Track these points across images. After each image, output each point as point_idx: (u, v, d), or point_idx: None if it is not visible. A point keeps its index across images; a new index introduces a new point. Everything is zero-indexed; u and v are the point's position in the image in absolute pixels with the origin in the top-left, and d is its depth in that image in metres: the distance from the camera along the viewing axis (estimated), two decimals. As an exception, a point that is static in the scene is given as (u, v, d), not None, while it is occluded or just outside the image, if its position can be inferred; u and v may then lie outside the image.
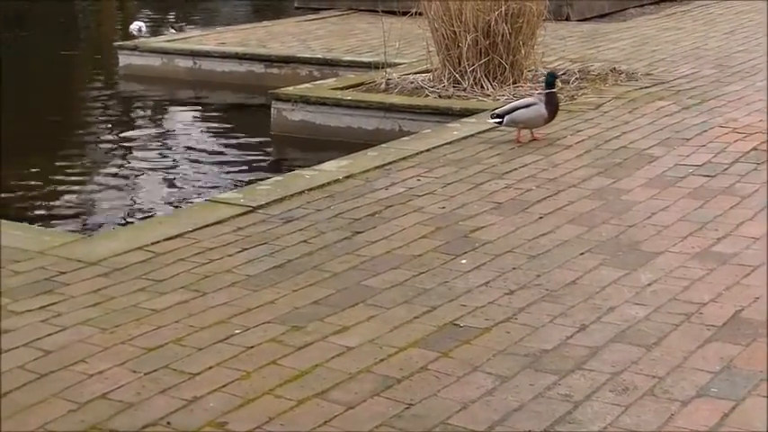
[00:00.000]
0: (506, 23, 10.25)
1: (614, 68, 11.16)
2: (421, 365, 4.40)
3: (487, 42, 10.33)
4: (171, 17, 22.80)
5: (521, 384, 4.24)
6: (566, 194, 6.85)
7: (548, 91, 8.21)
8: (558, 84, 8.44)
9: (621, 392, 4.16)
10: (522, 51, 10.53)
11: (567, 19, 15.79)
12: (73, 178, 10.02)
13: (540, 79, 10.40)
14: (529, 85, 10.39)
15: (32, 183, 9.70)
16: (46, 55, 18.44)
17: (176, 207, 8.74)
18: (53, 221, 8.43)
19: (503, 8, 10.24)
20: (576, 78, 10.56)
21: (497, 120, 8.26)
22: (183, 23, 20.82)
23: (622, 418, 3.96)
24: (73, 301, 5.10)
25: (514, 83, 10.38)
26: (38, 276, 5.46)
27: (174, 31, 16.30)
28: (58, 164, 10.46)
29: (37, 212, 8.71)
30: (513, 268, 5.52)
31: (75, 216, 8.74)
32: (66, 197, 9.28)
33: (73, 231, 7.74)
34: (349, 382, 4.25)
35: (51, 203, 9.09)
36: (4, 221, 6.66)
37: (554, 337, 4.67)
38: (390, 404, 4.08)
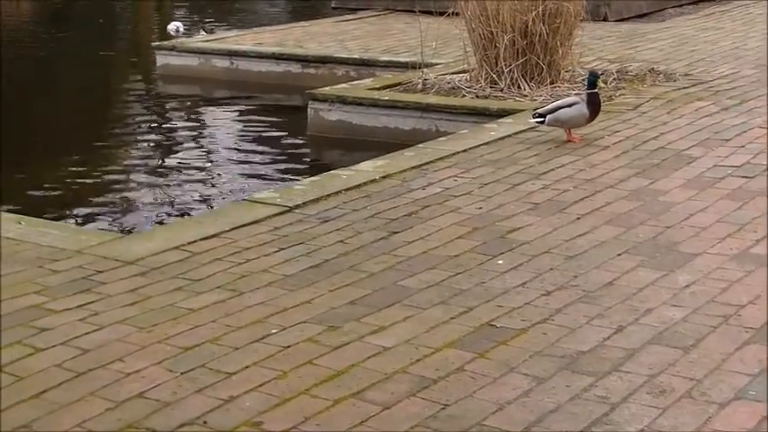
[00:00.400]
0: (544, 23, 10.23)
1: (652, 69, 11.12)
2: (457, 366, 4.39)
3: (525, 42, 10.31)
4: (208, 18, 22.86)
5: (557, 386, 4.22)
6: (603, 195, 6.82)
7: (589, 91, 8.18)
8: (601, 84, 8.38)
9: (659, 394, 4.14)
10: (560, 51, 10.50)
11: (605, 19, 15.74)
12: (110, 177, 10.06)
13: (578, 79, 10.39)
14: (566, 85, 10.36)
15: (70, 182, 9.75)
16: (84, 55, 18.55)
17: (213, 207, 8.76)
18: (90, 220, 8.47)
19: (540, 8, 10.22)
20: (614, 79, 10.52)
21: (539, 119, 8.24)
22: (221, 24, 20.86)
23: (659, 421, 3.94)
24: (110, 300, 5.12)
25: (552, 83, 10.35)
26: (75, 275, 5.49)
27: (204, 33, 16.33)
28: (95, 163, 10.50)
29: (74, 211, 8.75)
30: (550, 269, 5.51)
31: (112, 215, 8.78)
32: (104, 196, 9.32)
33: (110, 230, 7.78)
34: (385, 383, 4.24)
35: (89, 203, 9.13)
36: (41, 220, 6.72)
37: (591, 339, 4.65)
38: (426, 405, 4.07)
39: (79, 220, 8.34)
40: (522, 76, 10.34)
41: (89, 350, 4.56)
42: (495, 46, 10.37)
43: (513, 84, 10.32)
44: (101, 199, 9.24)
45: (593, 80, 8.24)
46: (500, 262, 5.62)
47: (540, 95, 10.04)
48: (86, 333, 4.74)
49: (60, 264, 5.67)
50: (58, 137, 12.22)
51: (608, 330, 4.74)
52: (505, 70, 10.34)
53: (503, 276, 5.42)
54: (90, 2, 26.75)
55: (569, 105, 8.19)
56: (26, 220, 6.57)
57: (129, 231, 7.98)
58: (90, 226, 7.98)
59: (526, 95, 10.11)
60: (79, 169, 10.22)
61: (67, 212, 8.64)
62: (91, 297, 5.17)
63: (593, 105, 8.16)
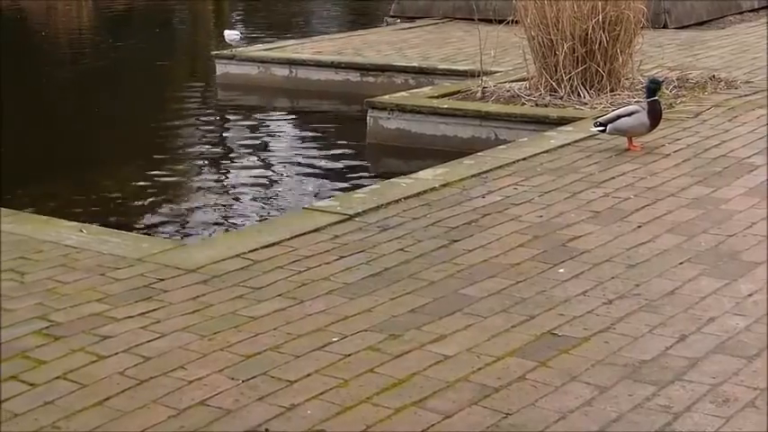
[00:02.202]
0: (604, 31, 10.18)
1: (713, 76, 11.03)
2: (519, 375, 4.38)
3: (584, 50, 10.27)
4: (265, 25, 22.95)
5: (619, 395, 4.19)
6: (664, 203, 6.77)
7: (650, 99, 8.12)
8: (664, 90, 8.32)
9: (722, 404, 4.10)
10: (620, 59, 10.44)
11: (665, 26, 15.65)
12: (170, 186, 10.13)
13: (638, 87, 10.33)
14: (626, 93, 10.30)
15: (130, 190, 9.82)
16: (142, 64, 18.69)
17: (273, 215, 8.79)
18: (151, 229, 8.52)
19: (600, 16, 10.16)
20: (675, 86, 10.44)
21: (600, 128, 8.20)
22: (277, 32, 20.94)
23: (723, 430, 3.90)
24: (172, 308, 5.15)
25: (612, 91, 10.30)
26: (137, 283, 5.52)
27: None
28: (155, 172, 10.57)
29: (135, 220, 8.81)
30: (612, 278, 5.47)
31: (173, 223, 8.83)
32: (164, 205, 9.38)
33: (171, 239, 7.82)
34: (446, 391, 4.23)
35: (149, 211, 9.19)
36: (102, 228, 6.77)
37: (653, 348, 4.62)
38: (488, 413, 4.06)
39: (140, 229, 8.38)
40: (582, 83, 10.30)
41: (151, 358, 4.59)
42: (555, 54, 10.34)
43: (572, 92, 10.28)
44: (161, 207, 9.30)
45: (654, 88, 8.17)
46: (561, 270, 5.59)
47: (600, 103, 9.99)
48: (148, 341, 4.76)
49: (122, 272, 5.71)
50: (119, 146, 12.31)
51: (670, 339, 4.70)
52: (565, 78, 10.31)
53: (564, 285, 5.39)
54: (149, 11, 26.96)
55: (630, 114, 8.13)
56: (87, 228, 6.63)
57: (190, 239, 8.02)
58: (151, 234, 8.02)
59: (586, 103, 10.07)
60: (139, 178, 10.29)
61: (127, 221, 8.69)
62: (152, 305, 5.20)
63: (654, 114, 8.09)
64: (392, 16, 18.98)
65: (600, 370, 4.41)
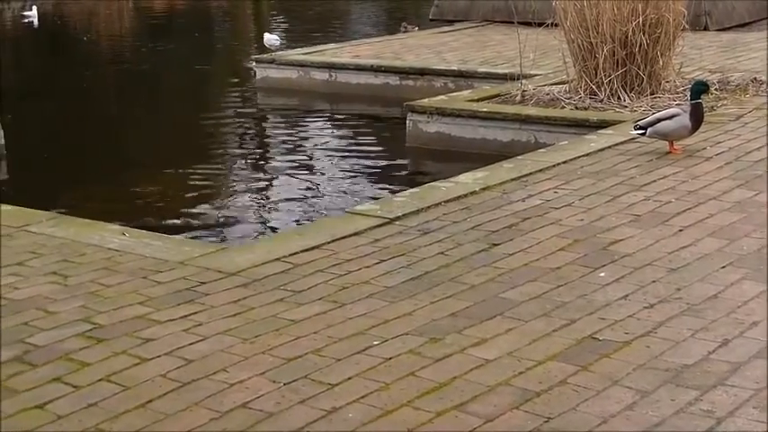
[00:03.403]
0: (644, 34, 10.15)
1: (755, 79, 10.96)
2: (560, 379, 4.37)
3: (624, 53, 10.24)
4: (305, 30, 23.01)
5: (661, 399, 4.18)
6: (706, 207, 6.74)
7: (693, 102, 8.06)
8: (713, 92, 8.25)
9: (765, 409, 4.07)
10: (660, 62, 10.41)
11: (706, 29, 15.58)
12: (211, 190, 10.17)
13: (679, 90, 10.28)
14: (667, 95, 10.25)
15: (171, 194, 9.87)
16: (182, 68, 18.78)
17: (313, 218, 8.81)
18: (192, 232, 8.55)
19: (640, 18, 10.13)
20: (716, 89, 10.39)
21: (640, 131, 8.16)
22: (316, 35, 20.99)
23: (767, 436, 3.89)
24: (213, 311, 5.17)
25: (652, 94, 10.26)
26: (179, 286, 5.55)
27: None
28: (196, 175, 10.62)
29: (176, 223, 8.85)
30: (653, 281, 5.45)
31: (214, 227, 8.86)
32: (204, 208, 9.42)
33: (212, 242, 7.86)
34: (488, 395, 4.23)
35: (190, 214, 9.23)
36: (145, 231, 6.80)
37: (695, 352, 4.60)
38: (529, 417, 4.05)
39: (181, 232, 8.42)
40: (622, 86, 10.27)
41: (193, 360, 4.61)
42: (595, 57, 10.31)
43: (612, 95, 10.25)
44: (202, 210, 9.33)
45: (700, 90, 8.11)
46: (602, 274, 5.58)
47: (641, 106, 9.96)
48: (190, 343, 4.79)
49: (164, 275, 5.74)
50: (160, 149, 12.37)
51: (713, 344, 4.68)
52: (605, 81, 10.28)
53: (605, 289, 5.38)
54: (188, 16, 27.09)
55: (670, 117, 8.09)
56: (129, 231, 6.67)
57: (230, 243, 8.05)
58: (192, 237, 8.05)
59: (626, 106, 10.04)
60: (180, 181, 10.34)
61: (169, 224, 8.73)
62: (194, 308, 5.22)
63: (697, 116, 8.04)
64: (432, 19, 18.99)
65: (641, 374, 4.40)
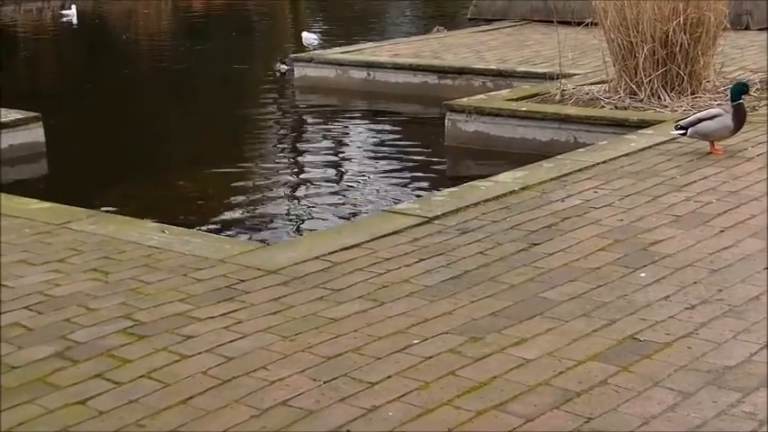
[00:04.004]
0: (685, 33, 10.10)
1: (797, 79, 10.89)
2: (600, 379, 4.35)
3: (665, 52, 10.20)
4: (344, 29, 23.03)
5: (703, 401, 4.15)
6: (747, 208, 6.70)
7: (735, 102, 8.00)
8: (752, 93, 8.19)
9: (808, 411, 4.05)
10: (701, 61, 10.36)
11: (747, 28, 15.49)
12: (250, 188, 10.18)
13: (720, 90, 10.23)
14: (708, 95, 10.20)
15: (211, 192, 9.90)
16: (220, 67, 18.83)
17: (352, 217, 8.81)
18: (232, 230, 8.57)
19: (681, 17, 10.08)
20: (757, 89, 10.32)
21: (681, 131, 8.11)
22: (354, 35, 21.00)
23: (810, 438, 3.86)
24: (253, 309, 5.18)
25: (692, 94, 10.21)
26: (219, 284, 5.56)
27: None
28: (234, 174, 10.65)
29: (215, 221, 8.87)
30: (694, 282, 5.42)
31: (253, 225, 8.88)
32: (243, 206, 9.44)
33: (251, 240, 7.87)
34: (528, 395, 4.22)
35: (230, 212, 9.25)
36: (185, 229, 6.83)
37: (737, 354, 4.57)
38: (569, 418, 4.04)
39: (220, 230, 8.44)
40: (663, 86, 10.22)
41: (233, 358, 4.62)
42: (635, 56, 10.27)
43: (652, 94, 10.21)
44: (241, 209, 9.35)
45: (740, 90, 8.05)
46: (642, 275, 5.55)
47: (681, 106, 9.91)
48: (230, 341, 4.80)
49: (204, 272, 5.76)
50: (198, 148, 12.41)
51: (755, 345, 4.65)
52: (645, 80, 10.24)
53: (645, 289, 5.35)
54: (226, 16, 27.17)
55: (711, 118, 8.03)
56: (169, 229, 6.69)
57: (269, 241, 8.06)
58: (231, 235, 8.08)
59: (666, 106, 9.99)
60: (219, 179, 10.37)
61: (208, 221, 8.76)
62: (234, 306, 5.24)
63: (739, 117, 7.98)
64: (470, 19, 18.97)
65: (683, 375, 4.38)
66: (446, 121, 10.85)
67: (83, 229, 6.63)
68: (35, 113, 10.86)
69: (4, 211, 7.11)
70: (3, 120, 10.59)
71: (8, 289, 5.56)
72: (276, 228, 8.74)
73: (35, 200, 7.46)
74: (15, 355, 4.70)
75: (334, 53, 15.55)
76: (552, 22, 12.62)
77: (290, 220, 9.00)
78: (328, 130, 13.10)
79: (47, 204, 7.30)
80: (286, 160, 11.73)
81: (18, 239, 6.47)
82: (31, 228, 6.71)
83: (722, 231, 6.25)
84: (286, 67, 16.52)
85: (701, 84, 10.39)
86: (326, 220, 8.87)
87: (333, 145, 12.24)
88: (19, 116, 10.77)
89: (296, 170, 11.09)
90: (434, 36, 17.39)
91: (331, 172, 10.78)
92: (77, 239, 6.43)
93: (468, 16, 19.28)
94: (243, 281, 5.59)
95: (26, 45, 24.05)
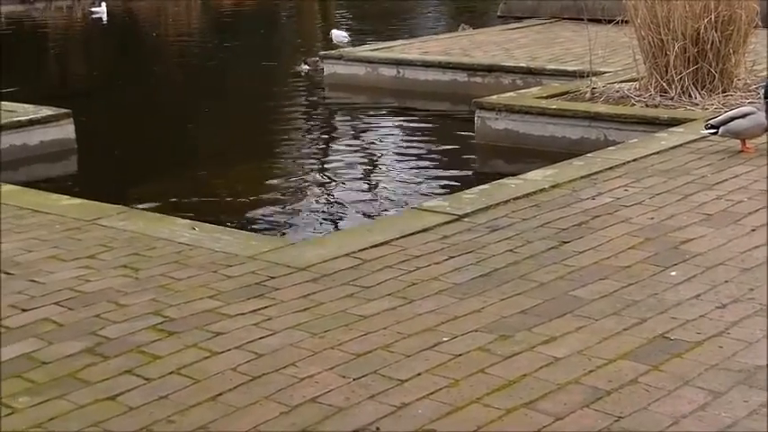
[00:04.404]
0: (716, 31, 10.06)
1: (829, 77, 10.82)
2: (631, 378, 4.33)
3: (696, 50, 10.15)
4: (371, 27, 23.03)
5: (734, 400, 4.13)
6: (779, 206, 6.67)
7: (768, 100, 7.95)
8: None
9: (841, 412, 4.02)
10: (732, 59, 10.32)
11: (779, 26, 15.37)
12: (278, 185, 10.20)
13: (751, 88, 10.18)
14: (739, 93, 10.15)
15: (240, 189, 9.91)
16: (249, 64, 18.86)
17: (382, 215, 8.81)
18: (261, 227, 8.59)
19: (712, 15, 10.04)
20: (789, 87, 10.26)
21: (712, 130, 8.06)
22: (383, 32, 21.00)
23: (842, 438, 3.83)
24: (283, 306, 5.18)
25: (724, 92, 10.17)
26: (249, 281, 5.57)
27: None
28: (263, 171, 10.68)
29: (244, 218, 8.89)
30: (725, 281, 5.39)
31: (281, 222, 8.88)
32: (272, 203, 9.45)
33: (280, 237, 7.88)
34: (557, 393, 4.21)
35: (258, 209, 9.26)
36: (215, 226, 6.84)
37: (769, 353, 4.55)
38: (599, 416, 4.02)
39: (248, 226, 8.46)
40: (694, 84, 10.18)
41: (263, 354, 4.62)
42: (666, 54, 10.23)
43: (683, 92, 10.17)
44: (270, 206, 9.36)
45: None
46: (673, 273, 5.53)
47: (712, 104, 9.87)
48: (260, 338, 4.80)
49: (234, 269, 5.77)
50: (228, 145, 12.44)
51: (787, 345, 4.63)
52: (676, 79, 10.20)
53: (676, 288, 5.33)
54: (255, 13, 27.23)
55: (744, 116, 7.97)
56: (200, 226, 6.70)
57: (298, 238, 8.07)
58: (261, 232, 8.10)
59: (697, 104, 9.95)
60: (248, 176, 10.39)
61: (237, 218, 8.78)
62: (264, 302, 5.24)
63: (773, 115, 7.93)
64: (500, 16, 18.96)
65: (714, 375, 4.35)
66: (476, 118, 10.84)
67: (113, 226, 6.65)
68: (66, 110, 10.91)
69: (34, 207, 7.15)
70: (34, 116, 10.64)
71: (39, 285, 5.59)
72: (305, 225, 8.75)
73: (66, 196, 7.50)
74: (46, 351, 4.72)
75: (364, 50, 15.57)
76: (582, 19, 12.59)
77: (320, 218, 9.01)
78: (357, 128, 13.11)
79: (77, 201, 7.33)
80: (315, 157, 11.73)
81: (49, 235, 6.50)
82: (62, 224, 6.74)
83: (753, 230, 6.21)
84: (308, 67, 16.48)
85: (732, 82, 10.34)
86: (356, 217, 8.87)
87: (362, 142, 12.25)
88: (50, 112, 10.83)
89: (325, 167, 11.09)
90: (464, 34, 17.37)
91: (360, 169, 10.79)
92: (108, 236, 6.46)
93: (498, 14, 19.27)
94: (272, 278, 5.60)
95: (56, 42, 24.16)
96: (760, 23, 10.78)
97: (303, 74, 16.32)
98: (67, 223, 6.75)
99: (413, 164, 10.90)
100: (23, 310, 5.22)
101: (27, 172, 10.20)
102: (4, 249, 6.23)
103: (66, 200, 7.36)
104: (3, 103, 11.39)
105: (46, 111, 10.85)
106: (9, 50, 21.64)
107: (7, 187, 7.86)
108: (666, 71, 10.27)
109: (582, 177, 7.50)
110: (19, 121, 10.52)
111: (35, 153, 10.54)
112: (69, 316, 5.12)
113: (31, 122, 10.58)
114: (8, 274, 5.79)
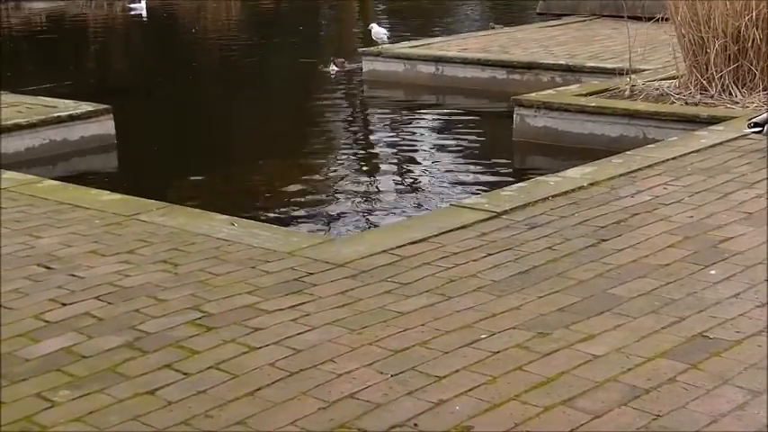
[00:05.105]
0: (757, 28, 9.99)
1: None
2: (669, 376, 4.32)
3: (737, 48, 10.09)
4: (411, 24, 23.03)
5: (774, 400, 4.12)
6: (820, 205, 6.63)
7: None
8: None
9: None
10: (774, 57, 10.24)
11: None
12: (316, 181, 10.22)
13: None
14: (781, 92, 10.09)
15: (278, 185, 9.93)
16: (288, 61, 18.90)
17: (420, 211, 8.81)
18: (299, 223, 8.61)
19: (753, 13, 9.97)
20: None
21: (756, 129, 8.00)
22: (420, 29, 20.99)
23: None
24: (321, 302, 5.20)
25: (764, 90, 10.09)
26: (287, 276, 5.58)
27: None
28: (301, 167, 10.70)
29: (282, 214, 8.91)
30: (765, 280, 5.36)
31: (319, 218, 8.90)
32: (310, 199, 9.47)
33: (318, 233, 7.90)
34: (596, 391, 4.20)
35: (296, 205, 9.28)
36: (253, 222, 6.87)
37: (809, 353, 4.52)
38: (638, 415, 4.01)
39: (289, 223, 8.48)
40: (734, 82, 10.12)
41: (301, 350, 4.63)
42: (706, 51, 10.18)
43: (723, 90, 10.12)
44: (308, 202, 9.38)
45: None
46: (713, 272, 5.50)
47: (753, 102, 9.81)
48: (298, 333, 4.81)
49: (272, 265, 5.78)
50: (266, 141, 12.47)
51: (827, 344, 4.60)
52: (716, 76, 10.15)
53: (715, 287, 5.30)
54: (295, 11, 27.27)
55: (787, 114, 7.93)
56: (238, 221, 6.72)
57: (336, 234, 8.09)
58: (299, 228, 8.12)
59: (737, 102, 9.90)
60: (284, 173, 10.41)
61: (277, 214, 8.80)
62: (302, 298, 5.25)
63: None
64: (539, 13, 18.92)
65: (753, 374, 4.33)
66: (514, 116, 10.82)
67: (153, 221, 6.69)
68: (106, 106, 10.97)
69: (74, 202, 7.20)
70: (74, 112, 10.70)
71: (79, 279, 5.62)
72: (344, 221, 8.76)
73: (105, 191, 7.54)
74: (86, 345, 4.75)
75: (403, 47, 15.57)
76: (622, 17, 12.54)
77: (358, 214, 9.02)
78: (395, 124, 13.11)
79: (117, 196, 7.37)
80: (353, 153, 11.75)
81: (88, 230, 6.54)
82: (102, 219, 6.78)
83: (794, 229, 6.19)
84: (336, 68, 16.38)
85: (773, 80, 10.28)
86: (394, 213, 8.88)
87: (400, 139, 12.24)
88: (90, 108, 10.88)
89: (363, 163, 11.11)
90: (504, 31, 17.34)
91: (398, 166, 10.79)
92: (147, 231, 6.49)
93: (538, 11, 19.23)
94: (311, 273, 5.61)
95: (96, 38, 24.29)
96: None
97: (332, 75, 16.24)
98: (107, 218, 6.79)
99: (451, 161, 10.90)
100: (63, 305, 5.25)
101: (67, 167, 10.27)
102: (46, 244, 6.28)
103: (106, 195, 7.40)
104: (43, 98, 11.47)
105: (86, 106, 10.91)
106: (50, 46, 21.79)
107: (48, 182, 7.92)
108: (707, 69, 10.23)
109: (621, 175, 7.47)
110: (59, 116, 10.58)
111: (75, 148, 10.61)
112: (109, 310, 5.16)
113: (72, 118, 10.64)
114: (48, 268, 5.83)
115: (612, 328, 4.81)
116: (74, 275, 5.68)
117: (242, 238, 6.27)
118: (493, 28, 18.41)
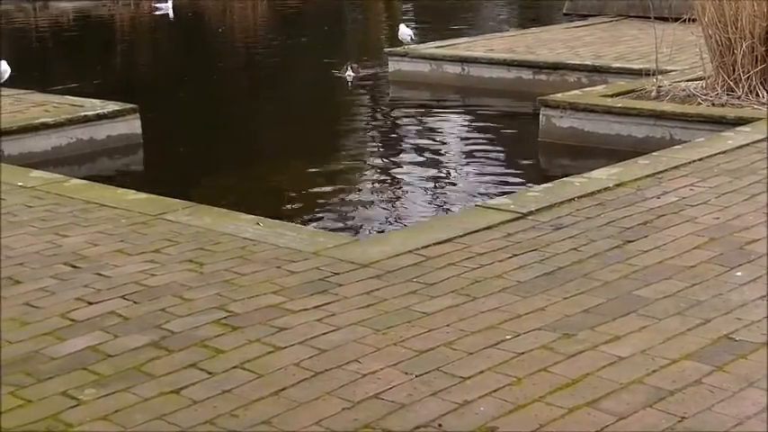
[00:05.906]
0: (785, 30, 9.95)
1: None
2: (694, 378, 4.30)
3: (764, 49, 10.05)
4: (437, 24, 23.03)
5: (800, 403, 4.10)
6: None
7: None
8: None
9: None
10: (802, 59, 10.20)
11: None
12: (341, 181, 10.23)
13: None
14: (808, 94, 10.04)
15: (303, 184, 9.94)
16: (313, 61, 18.92)
17: (445, 212, 8.81)
18: (323, 223, 8.61)
19: (781, 14, 9.94)
20: None
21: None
22: (447, 30, 20.98)
23: None
24: (346, 302, 5.20)
25: (792, 91, 10.06)
26: (312, 276, 5.59)
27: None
28: (326, 167, 10.70)
29: (307, 214, 8.92)
30: (792, 282, 5.35)
31: (344, 218, 8.91)
32: (336, 200, 9.48)
33: (343, 233, 7.90)
34: (620, 393, 4.19)
35: (321, 205, 9.30)
36: (279, 222, 6.87)
37: (835, 355, 4.50)
38: (663, 416, 4.00)
39: (313, 223, 8.49)
40: (761, 83, 10.08)
41: (326, 350, 4.64)
42: (733, 52, 10.14)
43: (751, 91, 10.07)
44: (333, 202, 9.40)
45: None
46: (738, 274, 5.48)
47: (780, 104, 9.78)
48: (323, 333, 4.82)
49: (297, 265, 5.79)
50: (291, 141, 12.48)
51: None
52: (743, 77, 10.11)
53: (741, 289, 5.28)
54: (320, 11, 27.31)
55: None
56: (264, 221, 6.73)
57: (361, 235, 8.09)
58: (324, 228, 8.12)
59: (765, 103, 9.86)
60: (311, 173, 10.43)
61: (302, 214, 8.81)
62: (327, 298, 5.26)
63: None
64: (565, 14, 18.90)
65: (779, 376, 4.32)
66: (540, 116, 10.81)
67: (178, 220, 6.71)
68: (132, 105, 11.01)
69: (101, 201, 7.23)
70: (101, 111, 10.75)
71: (105, 278, 5.65)
72: (368, 221, 8.76)
73: (132, 190, 7.57)
74: (111, 344, 4.77)
75: (429, 48, 15.56)
76: (649, 17, 12.51)
77: (383, 214, 9.03)
78: (421, 125, 13.11)
79: (143, 195, 7.40)
80: (378, 154, 11.75)
81: (114, 230, 6.57)
82: (128, 218, 6.81)
83: (821, 231, 6.16)
84: (352, 74, 16.20)
85: (800, 82, 10.24)
86: (419, 214, 8.88)
87: (425, 139, 12.24)
88: (117, 107, 10.92)
89: (388, 164, 11.10)
90: (530, 31, 17.32)
91: (424, 166, 10.78)
92: (173, 230, 6.51)
93: (564, 11, 19.20)
94: (336, 274, 5.62)
95: (123, 38, 24.37)
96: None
97: (349, 82, 16.14)
98: (133, 217, 6.81)
99: (476, 161, 10.89)
100: (89, 303, 5.28)
101: (94, 166, 10.32)
102: (72, 243, 6.31)
103: (132, 194, 7.43)
104: (70, 97, 11.52)
105: (113, 106, 10.95)
106: (77, 46, 21.88)
107: (74, 181, 7.96)
108: (734, 70, 10.19)
109: (647, 176, 7.45)
110: (86, 115, 10.63)
111: (102, 147, 10.65)
112: (135, 309, 5.17)
113: (98, 117, 10.69)
114: (74, 267, 5.86)
115: (638, 330, 4.80)
116: (100, 274, 5.70)
117: (267, 238, 6.28)
118: (506, 30, 18.37)
